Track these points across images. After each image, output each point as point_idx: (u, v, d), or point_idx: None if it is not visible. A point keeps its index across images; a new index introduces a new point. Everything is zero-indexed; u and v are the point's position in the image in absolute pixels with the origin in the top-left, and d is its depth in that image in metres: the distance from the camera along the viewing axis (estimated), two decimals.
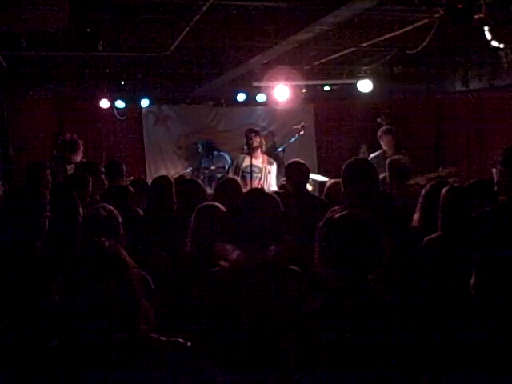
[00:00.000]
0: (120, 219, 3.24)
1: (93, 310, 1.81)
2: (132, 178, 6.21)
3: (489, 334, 2.72)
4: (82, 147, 6.74)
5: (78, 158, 6.73)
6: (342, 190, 3.73)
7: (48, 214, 3.28)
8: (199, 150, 9.91)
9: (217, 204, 3.54)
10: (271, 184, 7.15)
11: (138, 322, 1.87)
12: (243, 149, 7.46)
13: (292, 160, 5.23)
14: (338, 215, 2.18)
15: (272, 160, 7.35)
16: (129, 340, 1.84)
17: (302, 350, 2.06)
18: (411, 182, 5.84)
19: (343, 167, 3.70)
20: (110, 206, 3.30)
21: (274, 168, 7.25)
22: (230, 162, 9.25)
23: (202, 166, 9.36)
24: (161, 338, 1.92)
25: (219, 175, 8.51)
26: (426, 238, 3.44)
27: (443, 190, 3.43)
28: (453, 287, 3.07)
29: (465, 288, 2.91)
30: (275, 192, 4.52)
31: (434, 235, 3.42)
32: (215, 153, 9.61)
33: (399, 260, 3.12)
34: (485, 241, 2.81)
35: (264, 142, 7.38)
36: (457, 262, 3.08)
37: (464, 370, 2.89)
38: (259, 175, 7.15)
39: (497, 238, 2.77)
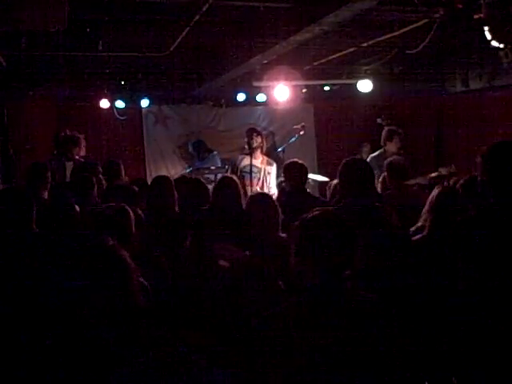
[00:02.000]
0: (132, 218, 3.24)
1: (89, 308, 1.82)
2: (127, 178, 6.21)
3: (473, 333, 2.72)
4: (83, 142, 6.78)
5: (82, 153, 6.77)
6: (339, 189, 3.71)
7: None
8: (189, 151, 9.89)
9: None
10: (270, 185, 7.12)
11: (134, 322, 1.87)
12: (244, 149, 7.43)
13: (290, 160, 5.22)
14: (310, 215, 2.21)
15: (271, 161, 7.28)
16: (124, 341, 1.85)
17: (283, 350, 2.08)
18: (412, 181, 5.85)
19: (340, 167, 3.68)
20: (124, 205, 3.31)
21: (273, 169, 7.19)
22: (219, 163, 9.22)
23: (197, 166, 9.31)
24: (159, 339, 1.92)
25: (219, 175, 8.48)
26: (412, 239, 3.46)
27: (434, 192, 3.44)
28: (436, 287, 3.08)
29: (447, 288, 2.94)
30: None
31: (419, 236, 3.43)
32: (211, 154, 9.54)
33: (384, 260, 3.13)
34: (469, 248, 2.80)
35: (265, 143, 7.33)
36: (441, 263, 3.09)
37: (445, 368, 2.90)
38: (258, 175, 7.10)
39: (481, 244, 2.76)
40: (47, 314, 2.36)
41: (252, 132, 7.08)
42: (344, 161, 3.75)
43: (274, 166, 7.25)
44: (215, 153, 9.53)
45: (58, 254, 3.04)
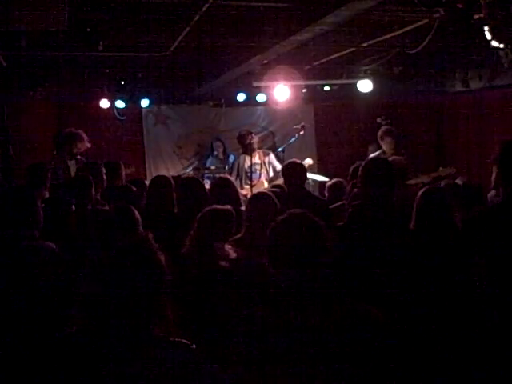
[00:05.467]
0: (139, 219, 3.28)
1: (120, 302, 1.86)
2: (134, 168, 6.29)
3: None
4: (83, 136, 6.81)
5: (86, 145, 6.80)
6: (360, 186, 3.64)
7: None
8: (213, 146, 9.73)
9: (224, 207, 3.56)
10: (276, 168, 7.37)
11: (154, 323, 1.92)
12: (242, 149, 7.59)
13: (289, 161, 5.26)
14: (280, 218, 2.23)
15: (267, 151, 7.66)
16: (136, 337, 1.89)
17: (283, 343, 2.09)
18: (412, 181, 5.86)
19: (363, 165, 3.59)
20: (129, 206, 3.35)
21: (271, 156, 7.65)
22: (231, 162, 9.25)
23: (208, 165, 9.33)
24: (169, 338, 1.96)
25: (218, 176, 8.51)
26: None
27: (420, 192, 3.46)
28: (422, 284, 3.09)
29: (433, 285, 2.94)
30: (272, 191, 4.55)
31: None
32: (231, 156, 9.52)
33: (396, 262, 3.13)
34: (480, 243, 2.80)
35: (260, 141, 7.64)
36: (427, 260, 3.11)
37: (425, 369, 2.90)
38: (261, 171, 7.40)
39: (492, 240, 2.75)
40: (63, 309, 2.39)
41: (248, 134, 7.31)
42: (367, 160, 3.75)
43: (271, 154, 7.75)
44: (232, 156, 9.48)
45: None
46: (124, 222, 3.28)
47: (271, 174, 7.52)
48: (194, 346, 2.00)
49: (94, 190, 4.96)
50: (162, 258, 2.05)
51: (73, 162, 6.64)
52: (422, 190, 3.47)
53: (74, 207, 4.01)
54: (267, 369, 2.05)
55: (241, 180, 7.72)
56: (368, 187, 3.49)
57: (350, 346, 2.01)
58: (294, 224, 2.18)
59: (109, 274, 1.95)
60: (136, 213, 3.40)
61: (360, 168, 3.61)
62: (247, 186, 7.22)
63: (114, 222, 3.27)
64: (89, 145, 6.92)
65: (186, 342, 2.00)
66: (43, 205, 3.74)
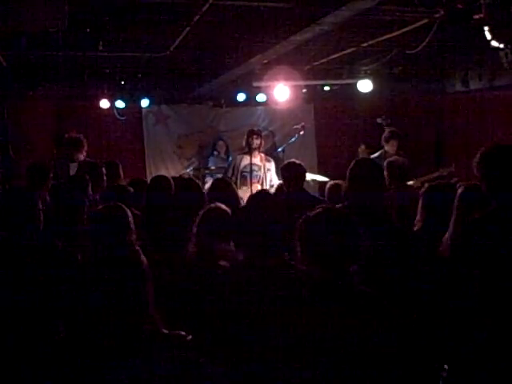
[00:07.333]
0: (131, 217, 3.25)
1: (106, 306, 1.86)
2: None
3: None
4: (85, 146, 6.75)
5: (82, 157, 6.74)
6: (347, 187, 3.59)
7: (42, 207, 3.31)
8: (216, 147, 9.75)
9: (222, 206, 3.55)
10: (272, 181, 7.23)
11: (143, 320, 1.92)
12: (244, 148, 7.50)
13: (288, 161, 5.24)
14: (314, 212, 2.22)
15: (269, 157, 7.46)
16: (134, 333, 1.90)
17: (287, 343, 2.08)
18: (412, 182, 5.85)
19: (351, 165, 3.52)
20: (121, 204, 3.32)
21: (272, 165, 7.36)
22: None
23: (209, 165, 9.34)
24: (164, 331, 1.97)
25: (219, 175, 8.51)
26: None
27: (459, 190, 3.42)
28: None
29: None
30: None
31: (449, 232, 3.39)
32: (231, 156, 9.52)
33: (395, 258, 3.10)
34: (477, 250, 2.78)
35: (263, 144, 7.44)
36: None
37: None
38: (259, 173, 7.24)
39: (489, 245, 2.74)
40: (59, 309, 2.38)
41: (252, 133, 7.19)
42: (356, 160, 3.63)
43: (272, 162, 7.40)
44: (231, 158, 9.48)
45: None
46: (112, 224, 3.25)
47: (266, 183, 7.28)
48: (190, 336, 2.00)
49: (90, 189, 4.94)
50: (144, 259, 2.05)
51: (74, 164, 6.61)
52: (462, 190, 3.42)
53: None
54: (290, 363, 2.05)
55: (236, 180, 7.66)
56: (354, 190, 3.40)
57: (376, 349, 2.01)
58: (333, 220, 2.18)
59: (93, 274, 1.96)
60: (126, 214, 3.35)
61: (350, 167, 3.51)
62: (244, 187, 7.13)
63: (102, 222, 3.24)
64: (83, 157, 6.83)
65: (183, 333, 2.00)
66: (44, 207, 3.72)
